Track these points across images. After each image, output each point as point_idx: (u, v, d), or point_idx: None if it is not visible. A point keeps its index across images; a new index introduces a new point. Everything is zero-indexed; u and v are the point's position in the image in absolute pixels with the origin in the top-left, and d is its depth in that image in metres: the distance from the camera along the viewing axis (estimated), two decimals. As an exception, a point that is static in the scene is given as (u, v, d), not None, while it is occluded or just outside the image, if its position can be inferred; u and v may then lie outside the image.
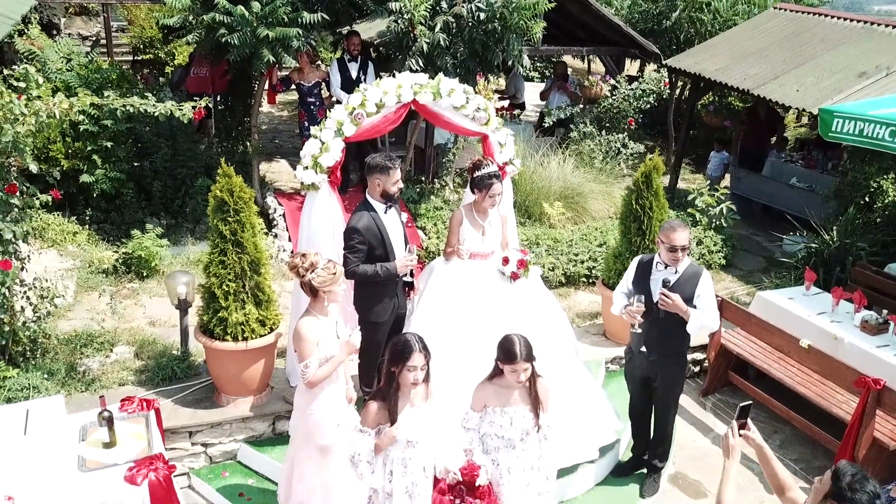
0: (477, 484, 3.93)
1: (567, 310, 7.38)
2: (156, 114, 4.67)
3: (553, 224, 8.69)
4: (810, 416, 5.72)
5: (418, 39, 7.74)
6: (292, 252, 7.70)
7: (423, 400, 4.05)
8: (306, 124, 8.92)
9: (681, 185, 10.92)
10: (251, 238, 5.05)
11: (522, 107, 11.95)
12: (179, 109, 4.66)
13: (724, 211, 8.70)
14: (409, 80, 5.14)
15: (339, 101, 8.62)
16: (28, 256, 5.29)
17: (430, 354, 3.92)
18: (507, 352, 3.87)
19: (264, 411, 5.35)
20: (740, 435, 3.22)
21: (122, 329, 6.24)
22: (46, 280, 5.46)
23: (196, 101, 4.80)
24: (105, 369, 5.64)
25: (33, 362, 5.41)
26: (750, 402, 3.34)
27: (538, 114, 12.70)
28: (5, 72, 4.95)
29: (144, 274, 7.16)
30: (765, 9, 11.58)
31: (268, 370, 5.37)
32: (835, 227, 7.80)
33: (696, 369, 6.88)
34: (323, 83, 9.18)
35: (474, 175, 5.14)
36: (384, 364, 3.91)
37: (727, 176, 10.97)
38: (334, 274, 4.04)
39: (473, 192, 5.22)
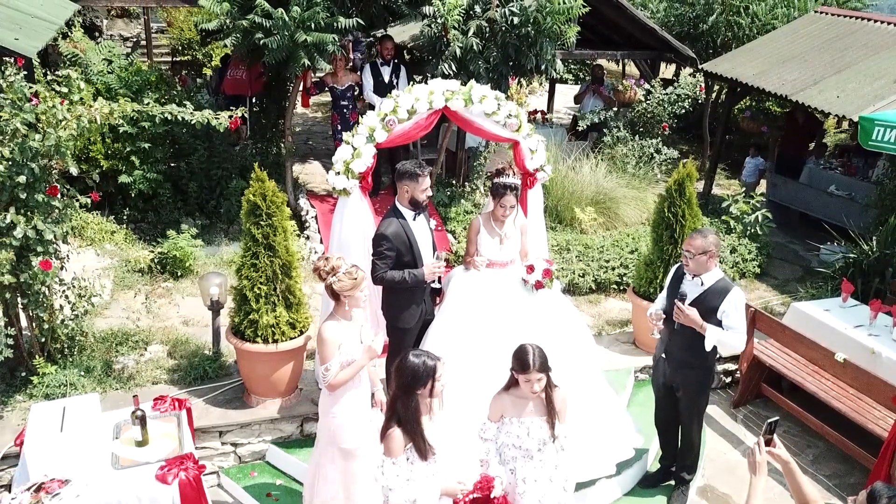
0: (492, 496, 3.91)
1: (597, 317, 7.34)
2: (193, 122, 4.75)
3: (584, 229, 8.63)
4: (845, 432, 5.59)
5: (451, 44, 7.74)
6: (321, 254, 7.79)
7: (439, 409, 4.04)
8: (339, 127, 8.99)
9: (716, 190, 10.77)
10: (283, 242, 5.11)
11: None
12: (216, 118, 4.73)
13: (759, 219, 8.56)
14: (440, 87, 5.16)
15: (371, 105, 8.70)
16: (67, 256, 5.42)
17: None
18: (520, 361, 3.85)
19: (293, 413, 5.41)
20: (767, 451, 3.17)
21: (156, 328, 6.37)
22: (84, 280, 5.59)
23: (232, 110, 4.87)
24: (139, 367, 5.76)
25: (71, 359, 5.55)
26: (777, 418, 3.29)
27: (571, 117, 12.63)
28: (48, 76, 5.07)
29: (179, 274, 7.30)
30: (805, 12, 11.35)
31: (297, 372, 5.44)
32: (874, 237, 7.62)
33: (728, 380, 6.79)
34: (356, 86, 9.25)
35: (493, 181, 5.14)
36: (401, 391, 3.71)
37: (762, 182, 10.79)
38: (355, 279, 4.07)
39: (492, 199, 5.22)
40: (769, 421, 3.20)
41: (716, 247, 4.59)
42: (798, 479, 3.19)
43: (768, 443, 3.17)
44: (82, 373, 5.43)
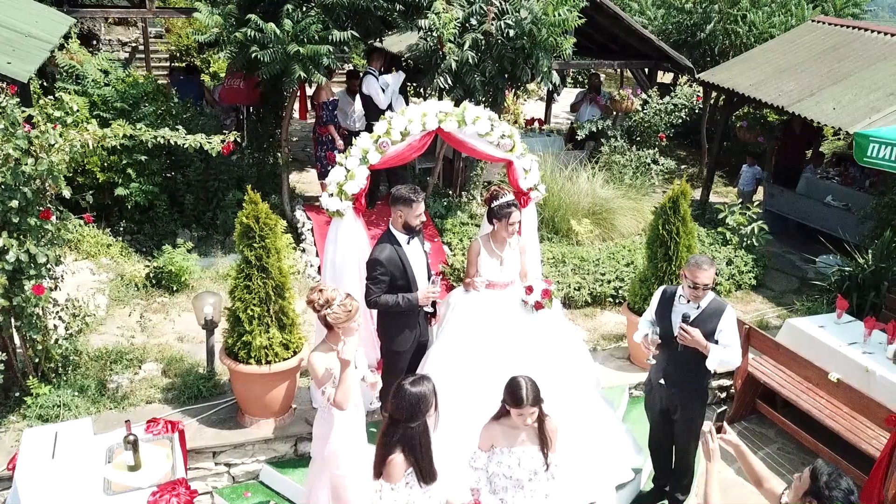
0: None
1: (592, 331, 7.34)
2: (185, 146, 4.74)
3: (580, 241, 8.62)
4: (839, 450, 5.59)
5: (447, 57, 7.74)
6: (319, 268, 7.79)
7: (433, 430, 4.04)
8: (331, 138, 8.98)
9: (713, 198, 10.76)
10: (276, 263, 5.11)
11: None
12: (208, 143, 4.72)
13: (756, 230, 8.55)
14: (434, 109, 5.16)
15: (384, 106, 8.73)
16: (62, 276, 5.42)
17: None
18: (513, 396, 3.84)
19: (286, 433, 5.42)
20: (718, 438, 3.53)
21: (150, 345, 6.36)
22: (79, 300, 5.58)
23: (225, 134, 4.87)
24: (133, 387, 5.76)
25: (65, 378, 5.55)
26: (725, 408, 3.70)
27: (568, 121, 12.62)
28: (42, 98, 5.06)
29: (174, 288, 7.29)
30: (802, 21, 11.34)
31: (290, 392, 5.44)
32: (870, 250, 7.61)
33: (723, 395, 6.79)
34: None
35: (492, 206, 5.15)
36: (406, 420, 3.63)
37: (759, 190, 10.78)
38: (349, 312, 4.07)
39: (491, 223, 5.23)
40: (718, 411, 3.59)
41: None
42: (749, 460, 3.59)
43: (719, 430, 3.57)
44: (76, 393, 5.43)
